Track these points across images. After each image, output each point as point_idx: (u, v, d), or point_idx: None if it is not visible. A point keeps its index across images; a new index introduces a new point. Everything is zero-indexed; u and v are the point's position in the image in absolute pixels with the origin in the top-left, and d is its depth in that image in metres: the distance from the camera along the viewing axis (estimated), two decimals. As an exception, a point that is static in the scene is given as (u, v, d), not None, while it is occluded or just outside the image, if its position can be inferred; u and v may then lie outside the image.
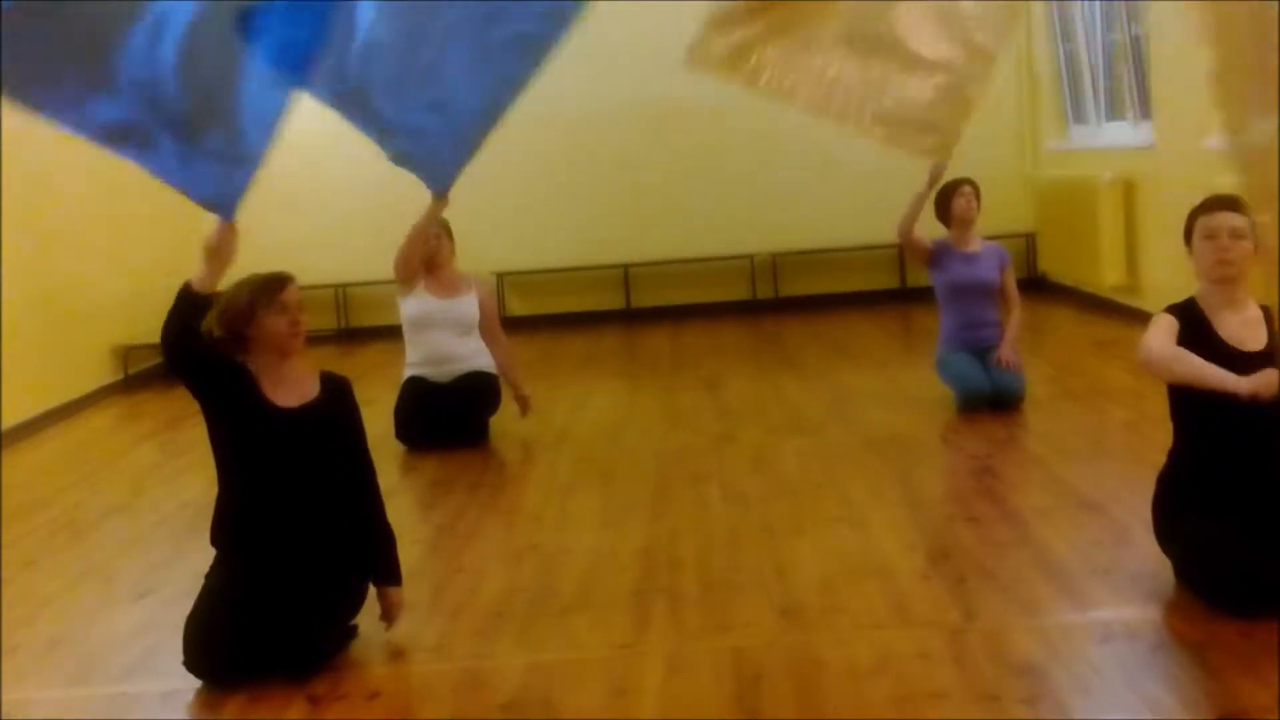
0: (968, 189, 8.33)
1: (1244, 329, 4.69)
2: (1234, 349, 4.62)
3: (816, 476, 6.96)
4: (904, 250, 8.84)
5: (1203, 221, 4.71)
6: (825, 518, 6.19)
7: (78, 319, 10.97)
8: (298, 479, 4.74)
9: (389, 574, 4.92)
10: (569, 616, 5.08)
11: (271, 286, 4.75)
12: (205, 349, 4.68)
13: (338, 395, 4.90)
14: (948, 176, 8.14)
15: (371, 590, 4.91)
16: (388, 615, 4.90)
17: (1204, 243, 4.69)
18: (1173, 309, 4.79)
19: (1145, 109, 11.19)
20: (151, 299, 12.03)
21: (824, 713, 4.06)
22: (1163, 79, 10.46)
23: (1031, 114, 13.96)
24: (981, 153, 12.90)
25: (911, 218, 8.12)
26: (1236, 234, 4.62)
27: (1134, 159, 11.16)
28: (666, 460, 7.57)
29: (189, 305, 4.62)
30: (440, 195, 6.63)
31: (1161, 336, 4.64)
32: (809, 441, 7.75)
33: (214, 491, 4.87)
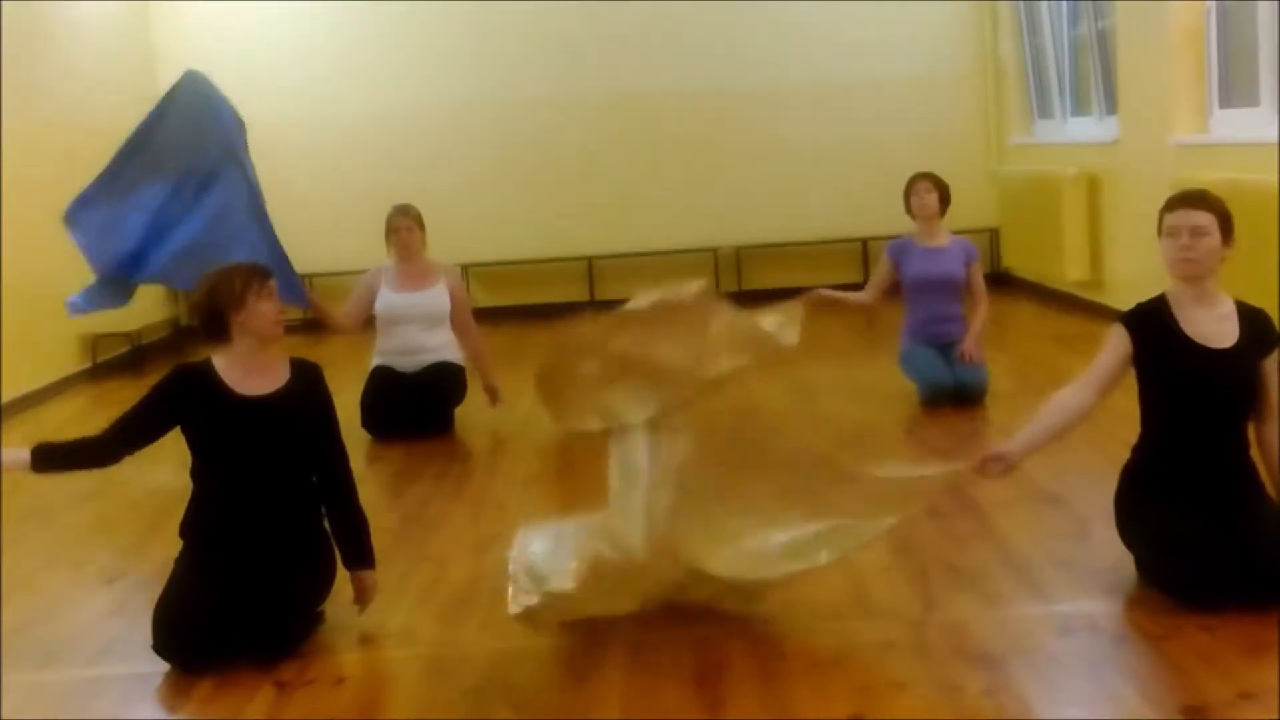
0: (927, 183, 8.33)
1: (1214, 325, 4.71)
2: (1202, 347, 4.65)
3: (780, 468, 6.97)
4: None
5: (1166, 218, 4.73)
6: (789, 509, 6.20)
7: (45, 307, 10.89)
8: (267, 466, 4.75)
9: (362, 558, 4.93)
10: (533, 605, 5.09)
11: (262, 273, 4.82)
12: (129, 430, 4.79)
13: (308, 381, 4.91)
14: (913, 170, 8.22)
15: (340, 576, 4.93)
16: (361, 598, 4.91)
17: (1166, 240, 4.71)
18: (1138, 311, 4.80)
19: (1110, 104, 11.25)
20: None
21: (785, 702, 4.09)
22: (1128, 74, 10.52)
23: (996, 108, 14.02)
24: (946, 147, 13.04)
25: (875, 290, 8.45)
26: (1198, 231, 4.64)
27: (1098, 154, 11.22)
28: (631, 451, 7.57)
29: (55, 460, 4.80)
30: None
31: (1075, 384, 4.80)
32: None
33: (184, 477, 4.88)
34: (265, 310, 4.77)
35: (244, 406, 4.73)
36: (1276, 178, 7.75)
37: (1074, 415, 4.74)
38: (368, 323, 8.56)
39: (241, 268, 4.87)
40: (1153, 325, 4.72)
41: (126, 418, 4.77)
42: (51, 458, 4.76)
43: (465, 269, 13.23)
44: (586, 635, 4.73)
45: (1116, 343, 4.75)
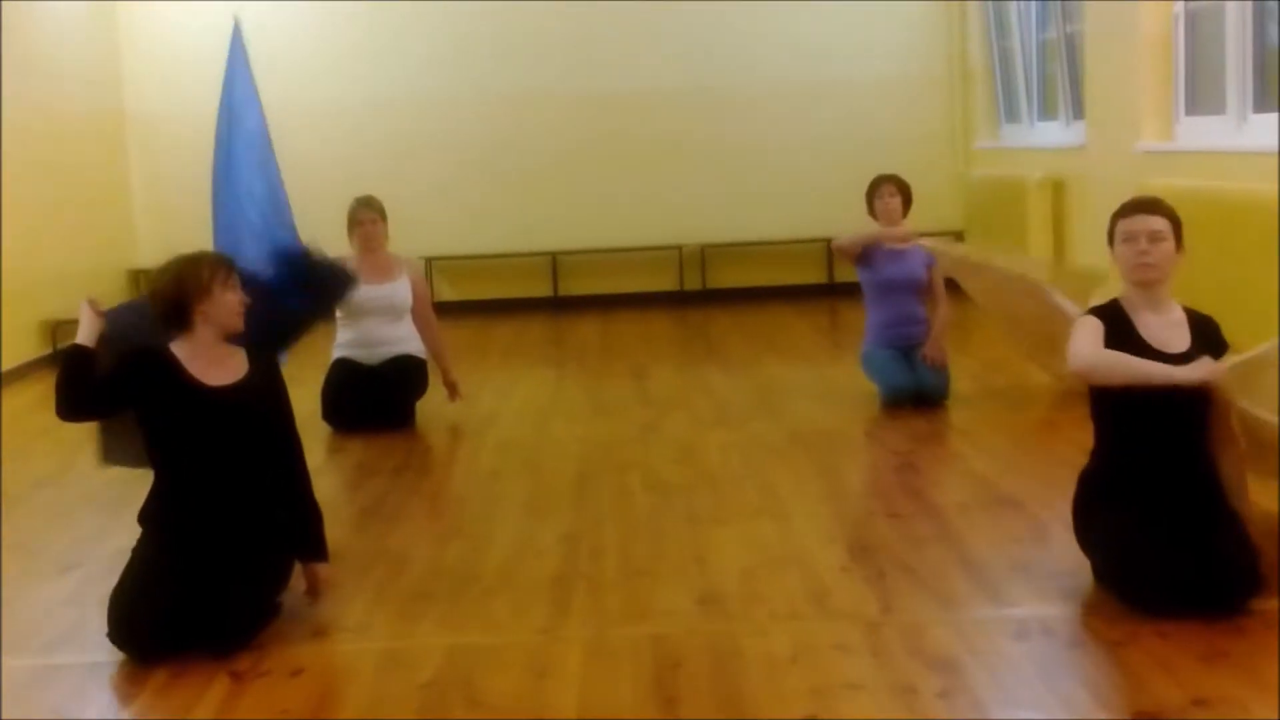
0: (891, 186, 8.35)
1: (1167, 331, 4.74)
2: (1158, 351, 4.67)
3: (739, 468, 7.00)
4: (835, 253, 8.94)
5: (1122, 224, 4.75)
6: (747, 509, 6.23)
7: (6, 294, 10.84)
8: (226, 456, 4.74)
9: (316, 550, 4.93)
10: (490, 600, 5.09)
11: (226, 263, 4.81)
12: (107, 387, 4.77)
13: (266, 372, 4.90)
14: (879, 171, 8.23)
15: (297, 568, 4.91)
16: (314, 590, 4.90)
17: (1123, 246, 4.72)
18: (1095, 311, 4.83)
19: (1077, 109, 11.29)
20: (81, 274, 11.99)
21: (741, 701, 4.09)
22: (1096, 79, 10.56)
23: (963, 111, 14.07)
24: (912, 150, 13.07)
25: (853, 241, 8.25)
26: (1156, 236, 4.67)
27: (1064, 159, 11.26)
28: (591, 448, 7.59)
29: (82, 364, 4.75)
30: None
31: (1091, 342, 4.67)
32: (733, 433, 7.79)
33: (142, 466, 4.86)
34: (230, 300, 4.76)
35: (205, 396, 4.71)
36: (1240, 185, 7.81)
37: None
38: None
39: (207, 256, 4.86)
40: (1111, 325, 4.73)
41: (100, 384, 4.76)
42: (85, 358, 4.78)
43: (429, 262, 13.24)
44: (544, 632, 4.73)
45: (1093, 327, 4.72)
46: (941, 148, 14.03)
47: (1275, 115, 8.06)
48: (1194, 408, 4.66)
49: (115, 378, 4.77)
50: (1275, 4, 8.31)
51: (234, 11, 7.54)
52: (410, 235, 10.61)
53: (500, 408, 8.89)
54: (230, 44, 7.47)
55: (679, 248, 14.11)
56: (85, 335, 4.82)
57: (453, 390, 8.45)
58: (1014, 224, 11.62)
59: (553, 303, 14.10)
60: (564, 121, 14.10)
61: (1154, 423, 4.67)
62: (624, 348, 11.40)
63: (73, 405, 4.80)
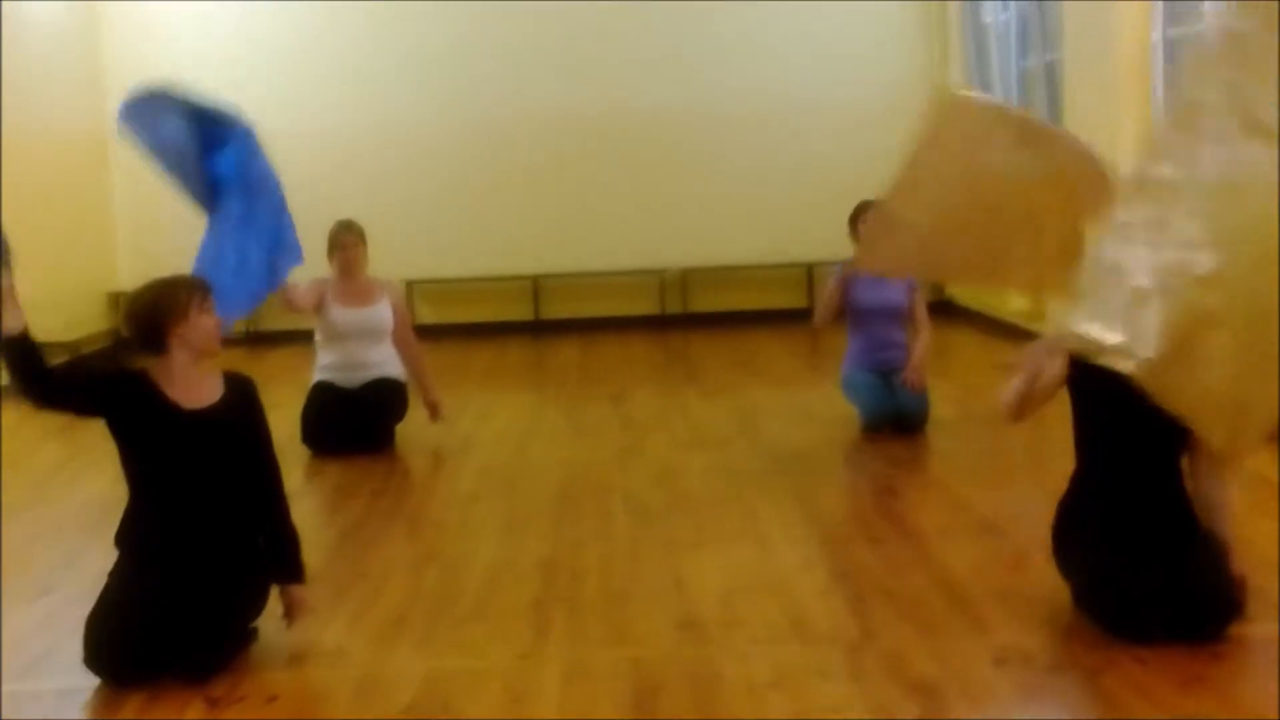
0: (873, 214, 8.36)
1: None
2: (1134, 381, 4.67)
3: (719, 492, 6.99)
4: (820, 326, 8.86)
5: None
6: (727, 533, 6.22)
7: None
8: (203, 480, 4.71)
9: (292, 573, 4.89)
10: (469, 625, 5.08)
11: (203, 286, 4.78)
12: (73, 379, 4.76)
13: (242, 395, 4.87)
14: (860, 195, 8.24)
15: (273, 592, 4.89)
16: (290, 614, 4.87)
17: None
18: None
19: (1055, 137, 11.31)
20: (58, 296, 11.95)
21: (721, 726, 4.09)
22: (1075, 107, 10.60)
23: (944, 139, 14.08)
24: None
25: (825, 314, 8.24)
26: None
27: (1043, 187, 11.27)
28: (570, 472, 7.58)
29: (23, 351, 4.57)
30: None
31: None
32: (713, 457, 7.79)
33: (117, 489, 4.84)
34: (206, 324, 4.74)
35: (181, 419, 4.68)
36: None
37: None
38: (307, 337, 8.52)
39: (183, 280, 4.85)
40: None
41: (76, 372, 4.69)
42: (22, 345, 4.59)
43: (410, 285, 13.23)
44: (523, 656, 4.71)
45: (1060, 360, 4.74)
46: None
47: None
48: (1170, 434, 4.67)
49: (95, 385, 4.73)
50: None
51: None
52: (391, 258, 10.60)
53: (480, 431, 8.87)
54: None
55: (660, 271, 14.12)
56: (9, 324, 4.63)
57: (434, 410, 8.43)
58: (994, 249, 11.63)
59: (533, 326, 14.10)
60: (545, 145, 14.11)
61: (1134, 449, 4.67)
62: (605, 371, 11.40)
63: (34, 394, 4.68)
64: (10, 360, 4.59)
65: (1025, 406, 4.75)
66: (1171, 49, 9.43)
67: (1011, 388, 4.74)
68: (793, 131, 14.12)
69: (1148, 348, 4.23)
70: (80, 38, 13.40)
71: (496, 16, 13.99)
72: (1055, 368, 4.70)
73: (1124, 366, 4.29)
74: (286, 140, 13.75)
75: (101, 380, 4.75)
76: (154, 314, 4.70)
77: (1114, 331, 4.28)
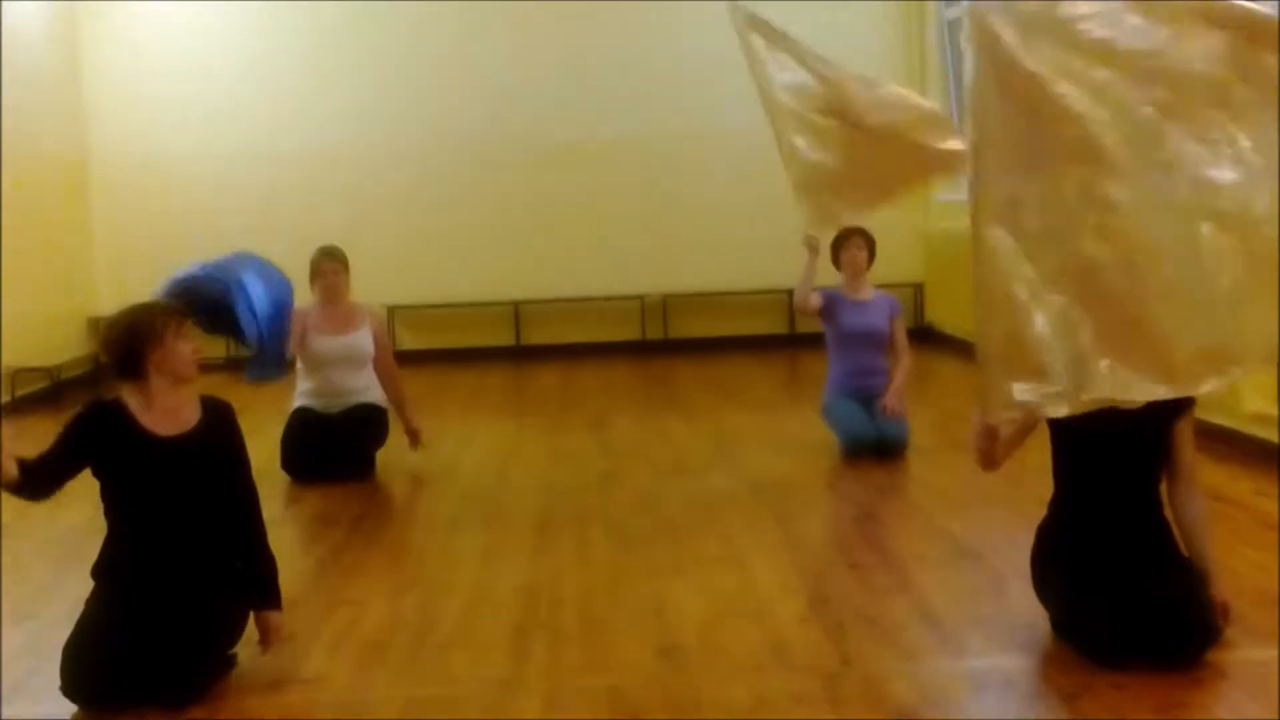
0: (859, 239, 8.41)
1: None
2: (1114, 407, 4.69)
3: (699, 518, 6.99)
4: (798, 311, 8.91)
5: None
6: (707, 559, 6.21)
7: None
8: (180, 506, 4.69)
9: (268, 599, 4.87)
10: (449, 652, 5.07)
11: (180, 312, 4.78)
12: (57, 467, 4.68)
13: (219, 421, 4.86)
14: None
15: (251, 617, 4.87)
16: (266, 640, 4.85)
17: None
18: None
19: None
20: (38, 322, 11.94)
21: (701, 753, 4.08)
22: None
23: (923, 166, 14.12)
24: (873, 203, 13.07)
25: (805, 290, 8.20)
26: None
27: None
28: (551, 498, 7.57)
29: (16, 488, 4.58)
30: None
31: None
32: (693, 483, 7.79)
33: (96, 517, 4.81)
34: (183, 350, 4.73)
35: (158, 446, 4.67)
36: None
37: None
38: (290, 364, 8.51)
39: (160, 306, 4.84)
40: None
41: (48, 457, 4.68)
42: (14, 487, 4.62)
43: (391, 311, 13.22)
44: (503, 683, 4.71)
45: None
46: (903, 201, 14.06)
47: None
48: (1149, 461, 4.70)
49: (71, 437, 4.71)
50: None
51: None
52: (373, 284, 10.60)
53: (461, 457, 8.87)
54: None
55: (641, 297, 14.14)
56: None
57: (414, 438, 8.42)
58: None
59: (515, 352, 14.10)
60: (527, 171, 14.13)
61: (1112, 475, 4.69)
62: (585, 397, 11.40)
63: (40, 497, 4.73)
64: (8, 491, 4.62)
65: (996, 458, 4.75)
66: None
67: (976, 450, 4.76)
68: (774, 158, 14.07)
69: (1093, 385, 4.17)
70: (61, 64, 13.38)
71: (478, 44, 14.03)
72: (1017, 421, 4.72)
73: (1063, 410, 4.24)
74: (269, 165, 13.87)
75: (72, 442, 4.70)
76: (131, 340, 4.69)
77: (1049, 383, 4.23)
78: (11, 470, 4.50)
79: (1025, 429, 4.74)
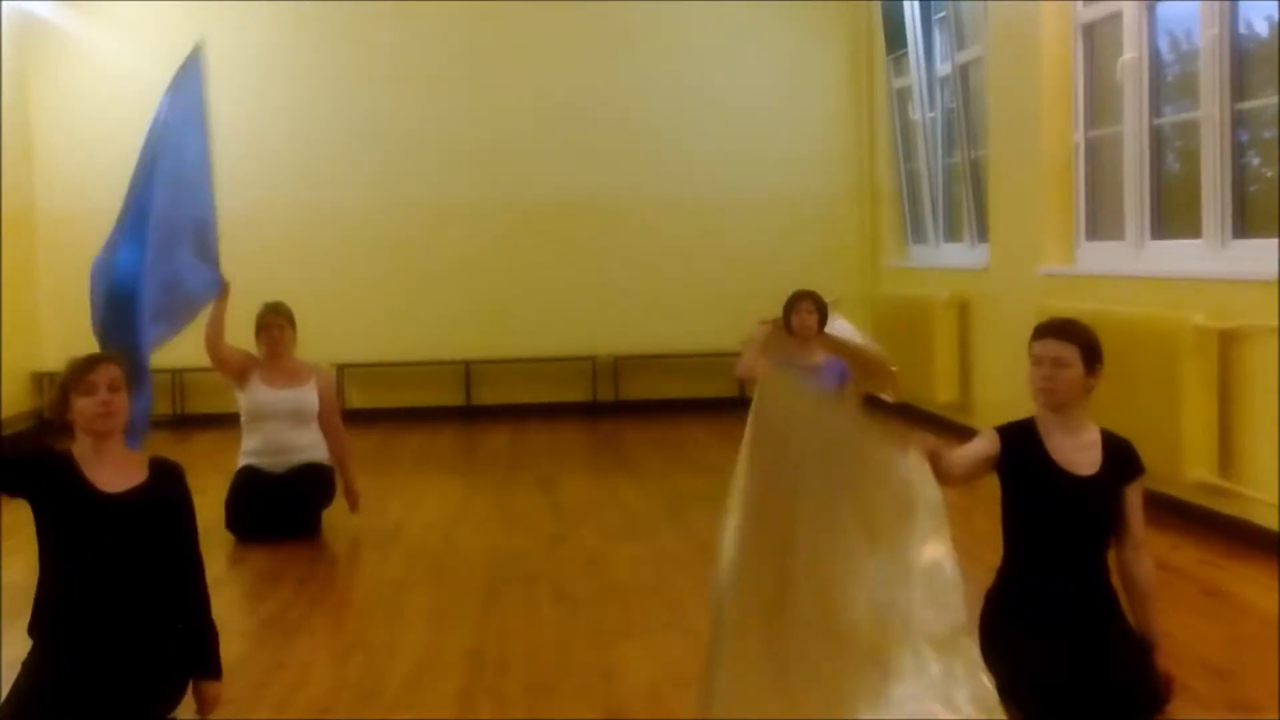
0: (808, 304, 8.43)
1: (1077, 453, 4.76)
2: (1065, 471, 4.71)
3: (648, 581, 6.98)
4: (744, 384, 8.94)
5: (1033, 347, 4.80)
6: (655, 623, 6.20)
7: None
8: (120, 565, 4.62)
9: (208, 669, 4.80)
10: (394, 716, 5.03)
11: (80, 367, 4.67)
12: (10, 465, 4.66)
13: (167, 481, 4.79)
14: (790, 286, 8.31)
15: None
16: (203, 710, 4.78)
17: (1032, 368, 4.77)
18: (1009, 427, 4.86)
19: (982, 232, 11.48)
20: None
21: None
22: (999, 203, 10.75)
23: (872, 230, 14.25)
24: (823, 266, 13.21)
25: (750, 359, 8.24)
26: (1060, 362, 4.71)
27: (969, 280, 11.42)
28: (498, 560, 7.55)
29: None
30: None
31: (962, 452, 4.75)
32: (642, 545, 7.78)
33: (35, 577, 4.75)
34: (84, 405, 4.62)
35: (100, 502, 4.60)
36: (1139, 309, 7.97)
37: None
38: (234, 420, 8.48)
39: (76, 361, 4.73)
40: (1021, 443, 4.77)
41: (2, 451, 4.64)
42: None
43: (340, 369, 13.16)
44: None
45: (988, 442, 4.78)
46: (851, 265, 14.18)
47: (1170, 242, 8.31)
48: (1098, 527, 4.72)
49: (19, 463, 4.66)
50: (1172, 135, 8.53)
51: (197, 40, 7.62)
52: (322, 342, 10.58)
53: (408, 517, 8.83)
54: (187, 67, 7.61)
55: (592, 358, 14.14)
56: None
57: (354, 500, 8.39)
58: (921, 342, 11.75)
59: (464, 411, 14.06)
60: (478, 230, 14.13)
61: (1059, 541, 4.70)
62: (535, 458, 11.39)
63: None
64: None
65: (955, 479, 4.74)
66: (1094, 149, 9.60)
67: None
68: (725, 224, 14.23)
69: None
70: (10, 115, 13.32)
71: (429, 105, 14.06)
72: (983, 446, 4.75)
73: None
74: (218, 220, 13.78)
75: (26, 459, 4.68)
76: (60, 394, 4.67)
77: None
78: None
79: (983, 465, 4.75)
